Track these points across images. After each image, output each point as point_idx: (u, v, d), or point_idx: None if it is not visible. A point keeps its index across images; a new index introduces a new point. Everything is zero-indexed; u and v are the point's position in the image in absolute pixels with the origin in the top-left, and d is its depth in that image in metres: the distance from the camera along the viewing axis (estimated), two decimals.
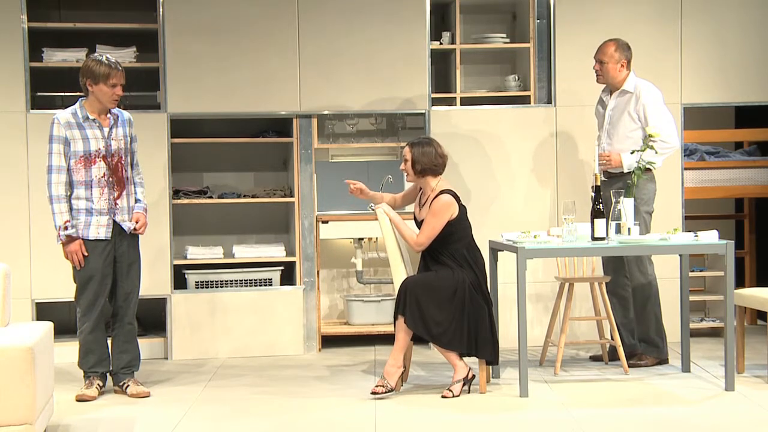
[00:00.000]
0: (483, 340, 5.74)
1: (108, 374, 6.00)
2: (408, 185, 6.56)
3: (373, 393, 5.71)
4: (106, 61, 5.82)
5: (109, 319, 6.00)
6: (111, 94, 5.82)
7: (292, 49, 7.16)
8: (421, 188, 6.02)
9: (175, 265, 7.15)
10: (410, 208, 6.28)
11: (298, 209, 7.26)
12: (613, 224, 5.87)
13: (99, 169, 5.82)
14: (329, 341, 7.44)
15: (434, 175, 5.91)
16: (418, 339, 5.89)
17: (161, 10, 7.04)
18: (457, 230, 5.85)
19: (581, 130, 7.23)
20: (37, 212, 6.84)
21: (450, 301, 5.71)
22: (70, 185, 5.81)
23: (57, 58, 7.08)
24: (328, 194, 7.47)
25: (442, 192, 5.85)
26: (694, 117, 7.81)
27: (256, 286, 7.27)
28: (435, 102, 7.35)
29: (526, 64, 7.49)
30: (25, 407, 4.43)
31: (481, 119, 7.32)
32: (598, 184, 5.98)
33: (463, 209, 5.90)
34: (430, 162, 5.87)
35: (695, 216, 7.91)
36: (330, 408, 5.59)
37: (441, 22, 7.77)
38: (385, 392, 5.72)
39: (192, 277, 7.23)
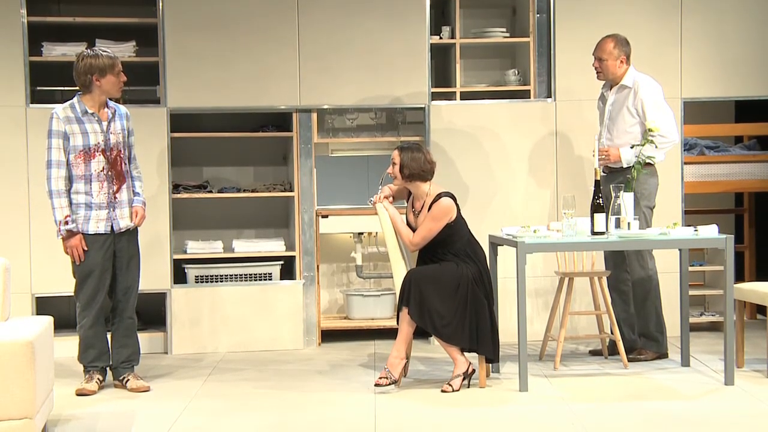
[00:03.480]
0: (483, 336, 5.75)
1: (108, 368, 6.00)
2: None
3: (377, 385, 5.72)
4: (103, 53, 5.84)
5: (109, 313, 6.01)
6: (118, 82, 5.85)
7: (291, 43, 7.16)
8: (410, 192, 6.01)
9: (174, 260, 7.15)
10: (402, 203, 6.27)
11: (297, 204, 7.26)
12: (612, 219, 5.87)
13: (98, 163, 5.82)
14: (329, 336, 7.45)
15: (422, 180, 5.91)
16: (417, 333, 5.90)
17: (161, 4, 7.03)
18: (456, 231, 5.87)
19: (581, 125, 7.23)
20: (36, 207, 6.84)
21: (453, 295, 5.71)
22: (69, 180, 5.81)
23: (56, 52, 7.07)
24: (328, 189, 7.47)
25: (440, 195, 5.85)
26: (694, 111, 7.81)
27: (255, 280, 7.27)
28: (435, 96, 7.34)
29: (526, 58, 7.48)
30: (25, 401, 4.44)
31: (481, 114, 7.31)
32: (598, 178, 5.99)
33: (458, 209, 5.91)
34: (418, 167, 5.87)
35: (695, 210, 7.92)
36: (330, 402, 5.59)
37: (441, 16, 7.76)
38: (389, 384, 5.73)
39: (192, 271, 7.24)
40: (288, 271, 7.39)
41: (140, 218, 5.97)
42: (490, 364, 5.99)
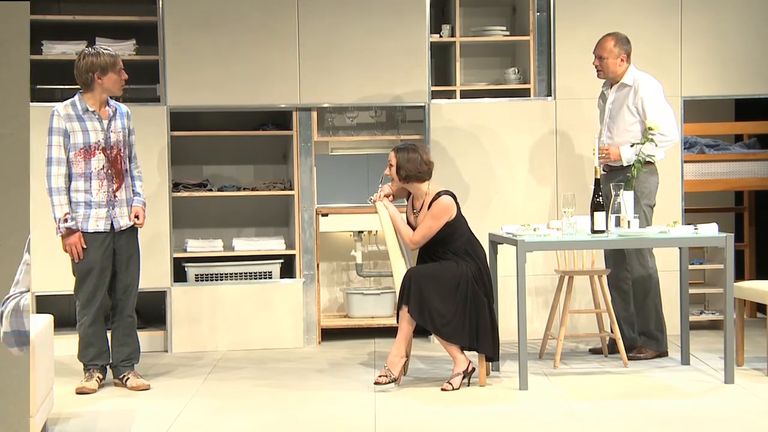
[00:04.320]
0: (483, 334, 5.75)
1: (108, 367, 6.00)
2: None
3: (377, 383, 5.72)
4: (104, 51, 5.84)
5: (109, 312, 6.01)
6: (120, 80, 5.87)
7: (291, 41, 7.15)
8: (409, 192, 6.01)
9: (174, 258, 7.15)
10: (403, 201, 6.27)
11: (297, 202, 7.26)
12: (612, 217, 5.87)
13: (98, 161, 5.82)
14: (329, 334, 7.45)
15: (419, 181, 5.90)
16: (417, 331, 5.90)
17: (161, 2, 7.03)
18: (456, 230, 5.87)
19: (581, 123, 7.23)
20: (37, 205, 6.80)
21: (453, 294, 5.71)
22: (69, 177, 5.81)
23: (57, 50, 7.07)
24: (328, 187, 7.47)
25: (440, 194, 5.85)
26: (694, 110, 7.81)
27: (255, 279, 7.27)
28: (435, 95, 7.34)
29: (526, 57, 7.48)
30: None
31: (481, 112, 7.31)
32: (598, 177, 5.99)
33: (458, 207, 5.91)
34: (414, 168, 5.86)
35: (695, 209, 7.92)
36: (330, 401, 5.59)
37: (441, 14, 7.76)
38: (388, 382, 5.74)
39: (192, 270, 7.24)
40: (288, 269, 7.40)
41: (141, 220, 5.96)
42: (490, 363, 5.99)
